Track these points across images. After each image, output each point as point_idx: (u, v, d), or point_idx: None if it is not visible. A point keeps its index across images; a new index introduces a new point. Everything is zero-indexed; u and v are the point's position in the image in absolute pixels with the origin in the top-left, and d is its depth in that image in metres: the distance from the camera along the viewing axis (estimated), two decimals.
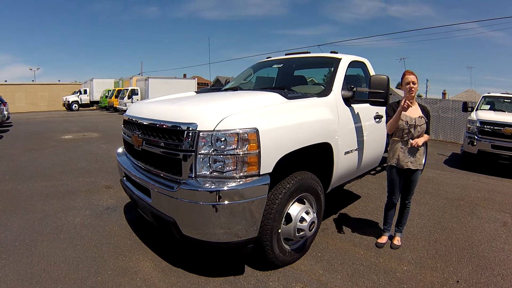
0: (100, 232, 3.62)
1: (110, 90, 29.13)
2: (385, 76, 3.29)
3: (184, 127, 2.43)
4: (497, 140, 7.06)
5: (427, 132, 3.25)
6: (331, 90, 3.40)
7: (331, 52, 4.14)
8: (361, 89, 3.47)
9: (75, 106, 30.84)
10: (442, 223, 4.13)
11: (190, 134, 2.38)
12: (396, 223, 3.57)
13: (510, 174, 7.07)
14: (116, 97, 26.26)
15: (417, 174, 3.32)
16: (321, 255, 3.23)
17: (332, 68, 3.68)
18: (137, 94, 24.72)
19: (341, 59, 3.79)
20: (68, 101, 30.87)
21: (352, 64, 3.95)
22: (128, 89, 25.06)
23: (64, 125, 15.66)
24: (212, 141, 2.33)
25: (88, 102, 31.85)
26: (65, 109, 31.23)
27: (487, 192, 5.67)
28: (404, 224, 3.57)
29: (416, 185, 3.40)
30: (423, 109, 3.28)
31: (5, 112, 14.78)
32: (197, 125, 2.38)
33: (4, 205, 4.40)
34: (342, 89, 3.49)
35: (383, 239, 3.51)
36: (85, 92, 32.14)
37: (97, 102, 31.19)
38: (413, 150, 3.22)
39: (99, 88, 31.34)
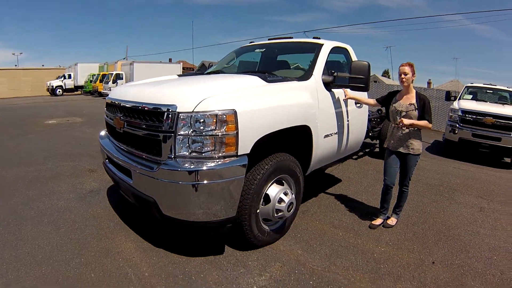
0: (84, 214, 3.63)
1: (94, 75, 28.49)
2: (366, 62, 3.34)
3: (164, 109, 2.45)
4: (478, 129, 7.24)
5: (423, 119, 3.32)
6: (312, 74, 3.43)
7: (314, 38, 4.16)
8: (341, 74, 3.50)
9: (59, 91, 30.03)
10: (421, 207, 4.25)
11: (170, 115, 2.40)
12: (394, 206, 3.74)
13: (489, 162, 7.29)
14: (101, 81, 25.72)
15: (410, 158, 3.45)
16: (301, 236, 3.32)
17: (314, 53, 3.70)
18: (122, 78, 24.27)
19: (323, 44, 3.82)
20: (52, 86, 30.06)
21: (334, 50, 3.98)
22: (112, 74, 24.61)
23: (48, 110, 15.34)
24: (191, 122, 2.36)
25: (73, 87, 31.05)
26: (49, 94, 30.42)
27: (466, 179, 5.83)
28: (401, 207, 3.71)
29: (410, 170, 3.51)
30: (418, 97, 3.37)
31: None
32: (176, 107, 2.40)
33: None
34: (323, 74, 3.53)
35: (377, 221, 3.66)
36: (69, 76, 31.30)
37: (81, 87, 30.39)
38: (401, 134, 3.42)
39: (83, 72, 30.56)
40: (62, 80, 30.94)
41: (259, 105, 2.64)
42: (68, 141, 7.71)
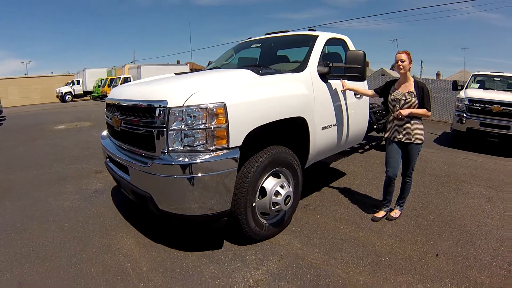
0: (88, 213, 3.71)
1: (102, 80, 28.81)
2: (361, 51, 3.30)
3: (156, 105, 2.48)
4: (485, 118, 7.05)
5: (422, 107, 3.26)
6: (306, 66, 3.41)
7: (309, 30, 4.13)
8: (337, 64, 3.46)
9: (68, 97, 30.46)
10: (426, 199, 4.17)
11: (161, 111, 2.43)
12: (397, 198, 3.68)
13: (498, 152, 7.09)
14: (109, 86, 25.86)
15: (412, 148, 3.37)
16: (301, 230, 3.30)
17: (309, 45, 3.67)
18: (129, 82, 24.42)
19: (317, 36, 3.78)
20: (62, 93, 30.50)
21: (331, 42, 3.95)
22: (120, 78, 24.85)
23: (58, 116, 15.61)
24: (183, 117, 2.38)
25: (82, 92, 31.41)
26: (59, 100, 30.85)
27: (474, 169, 5.68)
28: (404, 199, 3.65)
29: (413, 159, 3.44)
30: (417, 85, 3.31)
31: None
32: (167, 102, 2.42)
33: None
34: (319, 65, 3.50)
35: (380, 213, 3.61)
36: (78, 82, 31.69)
37: (90, 92, 30.79)
38: (401, 123, 3.35)
39: (91, 78, 30.95)
40: (71, 86, 31.33)
41: (250, 98, 2.63)
42: (76, 145, 7.86)
